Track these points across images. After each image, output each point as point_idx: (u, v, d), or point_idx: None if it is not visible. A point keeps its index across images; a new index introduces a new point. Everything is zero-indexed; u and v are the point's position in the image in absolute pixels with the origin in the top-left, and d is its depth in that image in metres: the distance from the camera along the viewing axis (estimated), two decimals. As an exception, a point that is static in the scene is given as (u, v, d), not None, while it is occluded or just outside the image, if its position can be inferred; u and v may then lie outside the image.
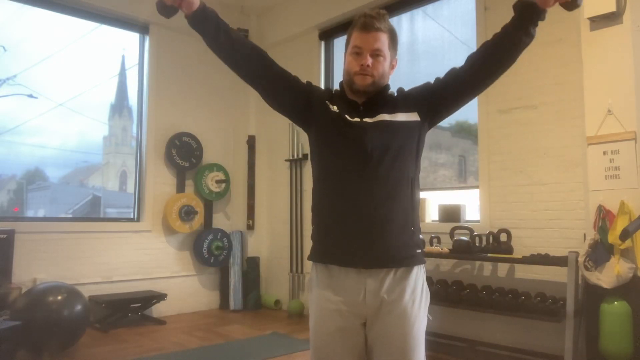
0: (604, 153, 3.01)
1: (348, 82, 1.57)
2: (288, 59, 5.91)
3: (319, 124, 1.59)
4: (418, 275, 1.54)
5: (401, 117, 1.54)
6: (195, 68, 5.68)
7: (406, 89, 1.66)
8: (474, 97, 1.61)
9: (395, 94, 1.63)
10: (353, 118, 1.54)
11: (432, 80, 1.61)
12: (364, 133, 1.51)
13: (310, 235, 1.62)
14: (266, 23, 6.10)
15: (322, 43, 5.57)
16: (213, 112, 5.90)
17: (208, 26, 1.51)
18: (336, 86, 1.67)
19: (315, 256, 1.58)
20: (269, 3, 5.92)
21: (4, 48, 4.79)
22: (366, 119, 1.54)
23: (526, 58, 3.78)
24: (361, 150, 1.50)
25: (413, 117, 1.56)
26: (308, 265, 5.42)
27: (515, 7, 1.45)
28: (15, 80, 4.88)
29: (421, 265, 1.56)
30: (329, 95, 1.64)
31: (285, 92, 1.62)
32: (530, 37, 1.45)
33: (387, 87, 1.60)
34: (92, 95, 5.34)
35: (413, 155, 1.56)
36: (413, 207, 1.54)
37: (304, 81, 1.67)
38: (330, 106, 1.59)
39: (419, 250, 1.55)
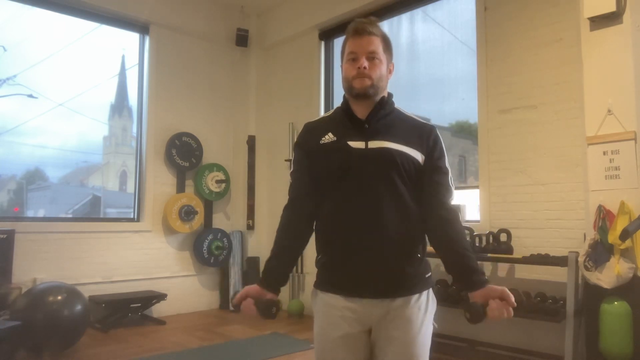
0: (604, 153, 3.00)
1: (348, 89, 1.55)
2: (288, 59, 5.95)
3: (320, 162, 1.56)
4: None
5: (406, 149, 1.51)
6: (195, 68, 5.64)
7: (413, 115, 1.62)
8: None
9: (401, 116, 1.60)
10: (356, 142, 1.51)
11: (440, 153, 1.57)
12: (367, 161, 1.49)
13: (315, 263, 1.61)
14: (266, 23, 6.09)
15: (322, 43, 5.56)
16: (213, 112, 5.88)
17: (289, 270, 1.66)
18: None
19: (321, 285, 1.58)
20: (269, 3, 5.92)
21: (4, 48, 4.79)
22: (371, 143, 1.51)
23: (526, 58, 3.82)
24: (364, 180, 1.49)
25: (416, 154, 1.53)
26: (308, 265, 5.42)
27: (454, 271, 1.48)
28: (15, 80, 4.88)
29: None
30: (322, 124, 1.61)
31: (315, 175, 1.59)
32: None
33: (389, 98, 1.58)
34: (92, 95, 5.34)
35: (416, 184, 1.54)
36: (419, 235, 1.54)
37: (297, 152, 1.64)
38: (326, 138, 1.55)
39: (428, 275, 1.55)
